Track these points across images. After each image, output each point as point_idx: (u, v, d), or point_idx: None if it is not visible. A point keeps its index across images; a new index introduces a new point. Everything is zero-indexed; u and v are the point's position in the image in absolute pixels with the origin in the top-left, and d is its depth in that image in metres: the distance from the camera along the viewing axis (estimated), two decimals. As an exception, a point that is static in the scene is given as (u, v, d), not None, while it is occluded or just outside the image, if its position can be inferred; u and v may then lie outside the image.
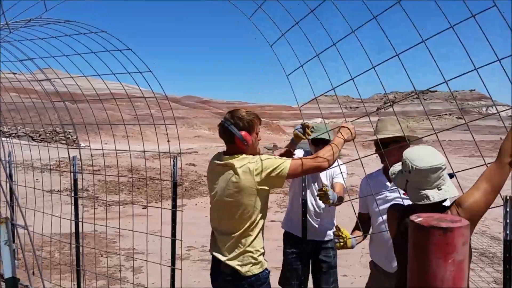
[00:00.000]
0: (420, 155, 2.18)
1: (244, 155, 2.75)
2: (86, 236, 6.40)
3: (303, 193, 3.41)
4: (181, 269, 3.70)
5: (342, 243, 2.90)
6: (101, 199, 10.38)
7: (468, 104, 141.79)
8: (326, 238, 3.76)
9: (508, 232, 2.76)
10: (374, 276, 3.13)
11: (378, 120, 3.16)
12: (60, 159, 7.12)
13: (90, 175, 11.99)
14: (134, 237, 4.37)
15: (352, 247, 2.95)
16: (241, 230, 2.71)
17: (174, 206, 3.74)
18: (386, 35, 2.32)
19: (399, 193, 2.73)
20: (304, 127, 3.29)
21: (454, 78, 2.20)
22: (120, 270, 4.82)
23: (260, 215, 2.73)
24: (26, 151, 5.52)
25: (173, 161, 3.69)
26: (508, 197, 2.72)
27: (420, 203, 2.13)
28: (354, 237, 2.99)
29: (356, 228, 3.20)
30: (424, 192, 2.14)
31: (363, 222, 3.18)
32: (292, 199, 3.88)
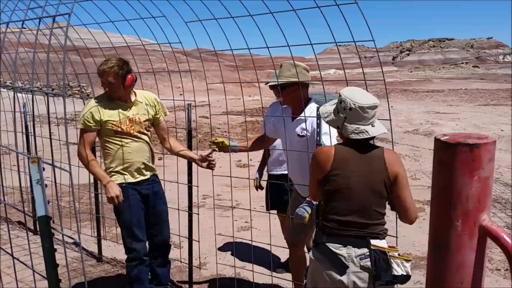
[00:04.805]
0: (358, 94, 2.37)
1: None
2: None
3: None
4: (198, 214, 3.83)
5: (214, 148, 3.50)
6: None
7: (485, 52, 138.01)
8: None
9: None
10: (295, 197, 3.52)
11: (280, 64, 3.41)
12: (75, 112, 7.20)
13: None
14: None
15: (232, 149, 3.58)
16: None
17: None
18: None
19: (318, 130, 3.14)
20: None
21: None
22: (138, 218, 5.01)
23: (104, 144, 3.39)
24: (41, 105, 5.59)
25: (187, 109, 3.74)
26: None
27: (357, 137, 2.33)
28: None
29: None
30: (362, 127, 2.33)
31: (259, 140, 3.72)
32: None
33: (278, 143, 4.13)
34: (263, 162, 4.56)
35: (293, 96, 3.23)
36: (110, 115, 3.32)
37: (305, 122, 3.18)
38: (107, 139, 3.38)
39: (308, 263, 2.76)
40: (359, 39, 2.70)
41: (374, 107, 2.35)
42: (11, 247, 2.11)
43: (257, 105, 22.78)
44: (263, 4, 2.79)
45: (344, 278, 2.31)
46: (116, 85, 3.27)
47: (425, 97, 31.65)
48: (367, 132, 2.33)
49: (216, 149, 3.56)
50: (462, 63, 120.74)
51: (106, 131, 3.35)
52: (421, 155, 10.45)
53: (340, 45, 2.94)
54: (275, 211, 4.44)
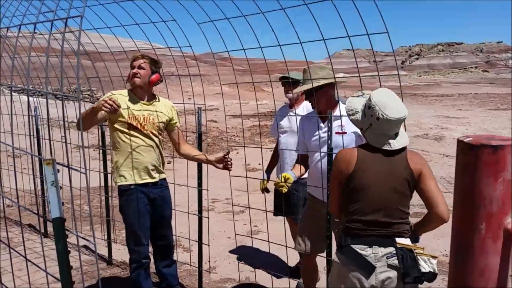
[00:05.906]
0: (389, 104, 2.30)
1: None
2: (114, 190, 6.61)
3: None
4: (208, 217, 3.82)
5: (284, 187, 3.21)
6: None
7: (494, 56, 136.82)
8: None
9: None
10: (311, 205, 3.44)
11: (303, 70, 3.35)
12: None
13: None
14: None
15: (293, 178, 3.26)
16: None
17: (199, 157, 3.81)
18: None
19: (329, 133, 3.02)
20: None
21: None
22: (148, 222, 5.01)
23: (115, 139, 3.41)
24: (52, 109, 5.62)
25: (198, 112, 3.75)
26: None
27: (379, 146, 2.34)
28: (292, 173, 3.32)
29: (296, 163, 3.54)
30: (386, 138, 2.33)
31: (303, 162, 3.46)
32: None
33: (287, 146, 4.08)
34: (272, 164, 4.49)
35: (327, 96, 3.26)
36: (125, 106, 3.39)
37: (340, 119, 3.15)
38: (119, 134, 3.40)
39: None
40: (368, 42, 2.69)
41: (401, 121, 2.34)
42: (25, 249, 2.12)
43: (264, 109, 22.78)
44: (276, 3, 2.79)
45: (372, 279, 2.29)
46: (146, 73, 3.41)
47: (435, 101, 31.48)
48: (389, 144, 2.33)
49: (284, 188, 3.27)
50: (472, 67, 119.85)
51: (119, 123, 3.39)
52: (431, 160, 10.37)
53: (348, 49, 2.93)
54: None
